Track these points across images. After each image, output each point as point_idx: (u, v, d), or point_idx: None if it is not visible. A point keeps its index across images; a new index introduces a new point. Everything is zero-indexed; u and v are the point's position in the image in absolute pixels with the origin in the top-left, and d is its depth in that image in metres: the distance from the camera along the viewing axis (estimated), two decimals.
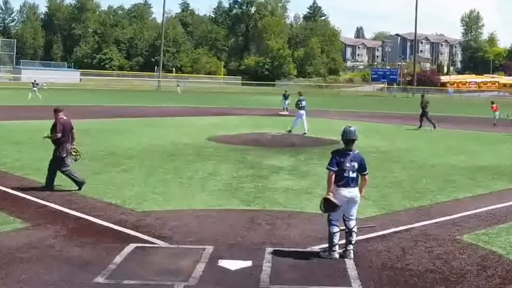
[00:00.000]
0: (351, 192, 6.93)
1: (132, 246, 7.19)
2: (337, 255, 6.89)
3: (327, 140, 20.01)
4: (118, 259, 6.67)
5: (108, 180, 11.65)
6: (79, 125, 23.95)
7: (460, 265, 6.80)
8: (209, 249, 7.10)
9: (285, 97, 38.23)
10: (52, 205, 9.38)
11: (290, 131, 22.99)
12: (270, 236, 7.84)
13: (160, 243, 7.44)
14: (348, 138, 7.05)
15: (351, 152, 7.04)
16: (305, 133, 22.47)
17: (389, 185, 12.01)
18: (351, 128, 7.10)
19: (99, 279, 6.00)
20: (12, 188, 10.57)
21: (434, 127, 26.29)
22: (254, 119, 29.44)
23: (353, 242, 7.00)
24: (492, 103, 32.23)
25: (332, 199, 6.87)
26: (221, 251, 7.03)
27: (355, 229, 7.04)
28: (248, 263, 6.61)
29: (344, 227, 7.04)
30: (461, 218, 9.18)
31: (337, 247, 6.95)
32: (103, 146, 17.14)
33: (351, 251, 6.94)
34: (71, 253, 6.89)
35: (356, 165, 6.97)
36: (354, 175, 6.96)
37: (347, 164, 6.93)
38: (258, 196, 10.56)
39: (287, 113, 34.11)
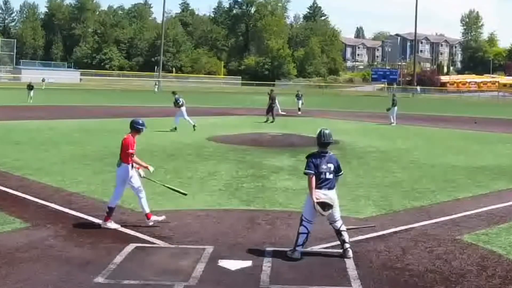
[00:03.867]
0: (327, 194, 6.92)
1: (132, 246, 7.19)
2: (298, 255, 6.87)
3: None
4: (118, 259, 6.67)
5: (108, 180, 11.63)
6: (79, 125, 24.24)
7: (460, 265, 6.80)
8: (209, 249, 7.10)
9: (298, 97, 38.17)
10: (52, 205, 9.38)
11: (175, 128, 22.78)
12: (270, 236, 7.84)
13: (160, 243, 7.44)
14: (324, 141, 7.09)
15: (326, 154, 7.08)
16: (194, 126, 22.96)
17: (389, 185, 12.01)
18: (327, 131, 7.13)
19: (99, 279, 6.01)
20: (12, 188, 10.57)
21: (272, 120, 28.53)
22: (254, 119, 29.41)
23: (346, 240, 7.00)
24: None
25: (323, 200, 6.92)
26: (221, 251, 7.03)
27: (343, 228, 7.05)
28: (248, 263, 6.61)
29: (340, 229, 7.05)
30: (461, 218, 9.18)
31: (301, 247, 6.93)
32: (103, 146, 17.13)
33: (349, 250, 6.94)
34: (71, 253, 6.89)
35: (332, 166, 7.01)
36: (331, 176, 6.99)
37: (324, 166, 6.96)
38: (258, 196, 10.56)
39: (284, 113, 33.96)
